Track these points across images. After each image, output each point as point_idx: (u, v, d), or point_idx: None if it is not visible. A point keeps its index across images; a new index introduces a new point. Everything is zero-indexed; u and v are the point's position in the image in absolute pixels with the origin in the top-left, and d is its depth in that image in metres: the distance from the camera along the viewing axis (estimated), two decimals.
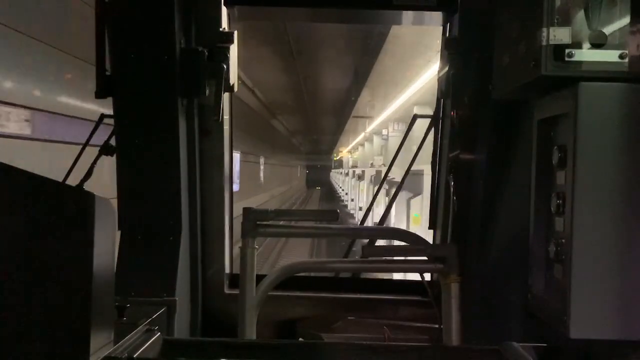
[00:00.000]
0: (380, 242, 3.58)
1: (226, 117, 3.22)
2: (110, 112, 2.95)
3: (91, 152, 2.99)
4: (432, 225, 3.48)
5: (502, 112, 2.65)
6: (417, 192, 14.07)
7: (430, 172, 3.48)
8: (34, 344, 1.65)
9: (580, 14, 1.74)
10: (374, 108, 28.10)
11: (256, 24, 14.44)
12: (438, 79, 3.28)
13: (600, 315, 1.69)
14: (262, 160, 35.46)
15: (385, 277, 3.88)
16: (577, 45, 1.74)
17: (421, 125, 3.56)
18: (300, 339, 3.13)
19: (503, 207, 2.72)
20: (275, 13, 3.74)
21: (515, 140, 2.58)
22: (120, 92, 2.85)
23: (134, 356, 1.90)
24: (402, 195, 14.25)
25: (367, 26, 14.63)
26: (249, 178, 28.13)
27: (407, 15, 3.34)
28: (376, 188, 10.73)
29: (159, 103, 2.90)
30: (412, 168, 3.68)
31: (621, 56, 1.72)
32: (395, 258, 3.02)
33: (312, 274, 3.74)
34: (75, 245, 1.65)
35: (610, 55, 1.73)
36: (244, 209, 2.78)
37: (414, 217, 14.13)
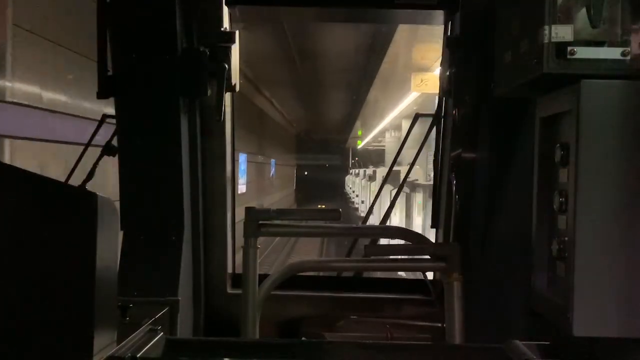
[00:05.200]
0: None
1: (228, 116, 3.22)
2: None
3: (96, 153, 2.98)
4: (434, 224, 3.47)
5: (504, 110, 2.64)
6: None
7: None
8: (37, 344, 1.65)
9: (582, 12, 1.74)
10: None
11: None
12: (440, 78, 3.28)
13: (603, 313, 1.68)
14: None
15: (387, 276, 3.88)
16: (579, 42, 1.74)
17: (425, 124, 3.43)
18: (303, 338, 3.13)
19: (505, 205, 2.71)
20: (276, 13, 3.74)
21: (517, 138, 2.58)
22: (122, 92, 2.85)
23: (137, 356, 1.89)
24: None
25: None
26: None
27: (409, 14, 3.34)
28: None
29: (160, 103, 2.90)
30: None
31: (623, 53, 1.72)
32: (397, 257, 3.02)
33: (315, 274, 3.74)
34: (78, 246, 1.65)
35: (612, 53, 1.73)
36: (246, 208, 2.78)
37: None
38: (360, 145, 46.90)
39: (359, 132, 42.38)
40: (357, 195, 34.86)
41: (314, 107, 34.00)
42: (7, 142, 6.11)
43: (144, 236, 2.94)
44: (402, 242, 2.92)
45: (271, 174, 34.62)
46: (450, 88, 3.08)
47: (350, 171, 45.73)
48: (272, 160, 33.68)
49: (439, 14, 3.23)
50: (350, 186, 41.32)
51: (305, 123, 44.22)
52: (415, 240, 2.87)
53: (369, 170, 31.18)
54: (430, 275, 3.26)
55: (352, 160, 50.13)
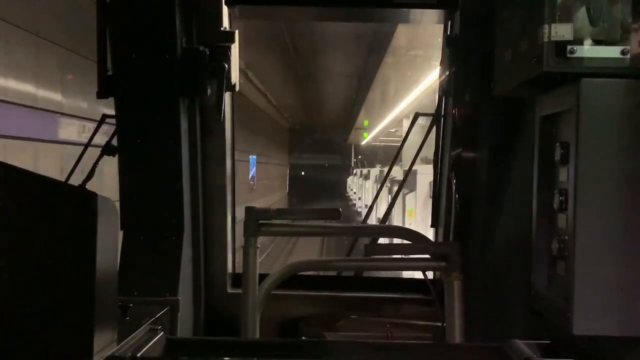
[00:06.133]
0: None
1: (228, 116, 3.22)
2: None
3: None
4: (434, 223, 3.47)
5: (504, 109, 2.64)
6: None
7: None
8: (38, 344, 1.65)
9: (582, 10, 1.74)
10: None
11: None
12: (439, 77, 3.28)
13: (603, 312, 1.68)
14: None
15: (387, 276, 3.88)
16: (579, 41, 1.74)
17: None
18: (303, 338, 3.13)
19: (505, 204, 2.71)
20: (276, 12, 3.74)
21: (517, 137, 2.58)
22: (122, 92, 2.85)
23: (137, 355, 1.89)
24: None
25: None
26: None
27: (409, 13, 3.34)
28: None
29: (160, 102, 2.90)
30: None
31: (623, 52, 1.72)
32: (397, 256, 3.02)
33: (315, 273, 3.74)
34: (78, 245, 1.65)
35: (612, 51, 1.73)
36: (246, 208, 2.78)
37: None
38: (367, 138, 40.57)
39: (365, 123, 34.64)
40: (366, 206, 28.75)
41: (308, 88, 25.95)
42: None
43: (144, 236, 2.94)
44: (402, 241, 2.92)
45: (250, 175, 25.02)
46: (450, 87, 3.09)
47: (354, 172, 38.70)
48: (252, 157, 24.85)
49: (439, 13, 3.23)
50: (355, 191, 35.57)
51: (300, 114, 36.77)
52: (415, 239, 2.87)
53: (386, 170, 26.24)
54: (430, 274, 3.26)
55: (354, 159, 44.93)
